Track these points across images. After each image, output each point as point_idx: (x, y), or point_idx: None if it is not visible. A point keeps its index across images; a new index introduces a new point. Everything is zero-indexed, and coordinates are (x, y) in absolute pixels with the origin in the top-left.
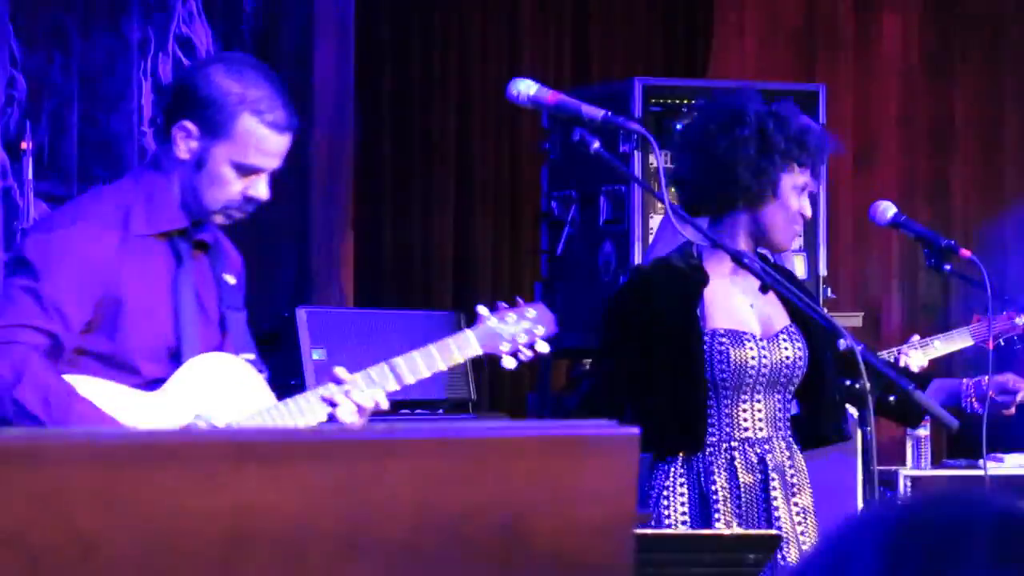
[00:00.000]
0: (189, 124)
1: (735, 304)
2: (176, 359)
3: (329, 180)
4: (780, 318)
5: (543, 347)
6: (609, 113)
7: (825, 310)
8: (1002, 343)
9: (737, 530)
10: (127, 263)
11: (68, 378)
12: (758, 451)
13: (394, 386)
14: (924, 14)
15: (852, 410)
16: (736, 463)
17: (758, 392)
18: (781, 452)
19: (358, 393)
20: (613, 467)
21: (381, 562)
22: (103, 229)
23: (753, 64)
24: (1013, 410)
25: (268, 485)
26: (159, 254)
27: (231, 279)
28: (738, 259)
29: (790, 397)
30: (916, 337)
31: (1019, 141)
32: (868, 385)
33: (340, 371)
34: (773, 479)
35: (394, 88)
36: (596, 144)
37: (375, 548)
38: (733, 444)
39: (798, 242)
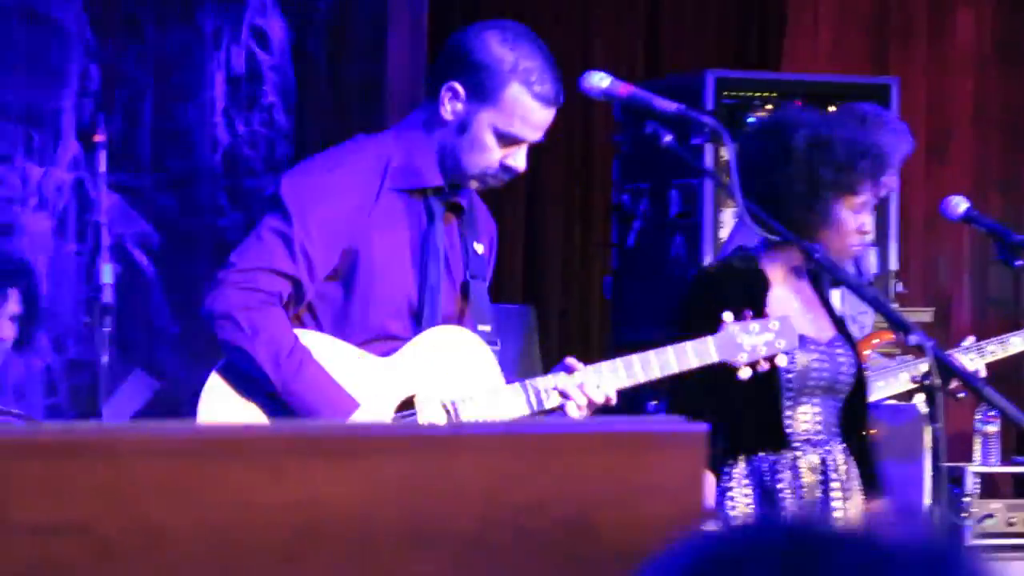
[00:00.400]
0: (458, 86)
1: (796, 309)
2: (417, 319)
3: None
4: (829, 328)
5: (782, 360)
6: (682, 106)
7: (895, 305)
8: None
9: None
10: (380, 215)
11: (303, 336)
12: (820, 452)
13: (625, 383)
14: (998, 5)
15: (922, 406)
16: (800, 463)
17: (816, 396)
18: (838, 455)
19: (592, 387)
20: (679, 463)
21: (448, 556)
22: (361, 179)
23: (826, 56)
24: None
25: (335, 479)
26: (413, 210)
27: (480, 247)
28: (808, 253)
29: (841, 405)
30: (971, 339)
31: None
32: (939, 382)
33: (572, 361)
34: (833, 480)
35: None
36: (668, 137)
37: (442, 542)
38: (796, 445)
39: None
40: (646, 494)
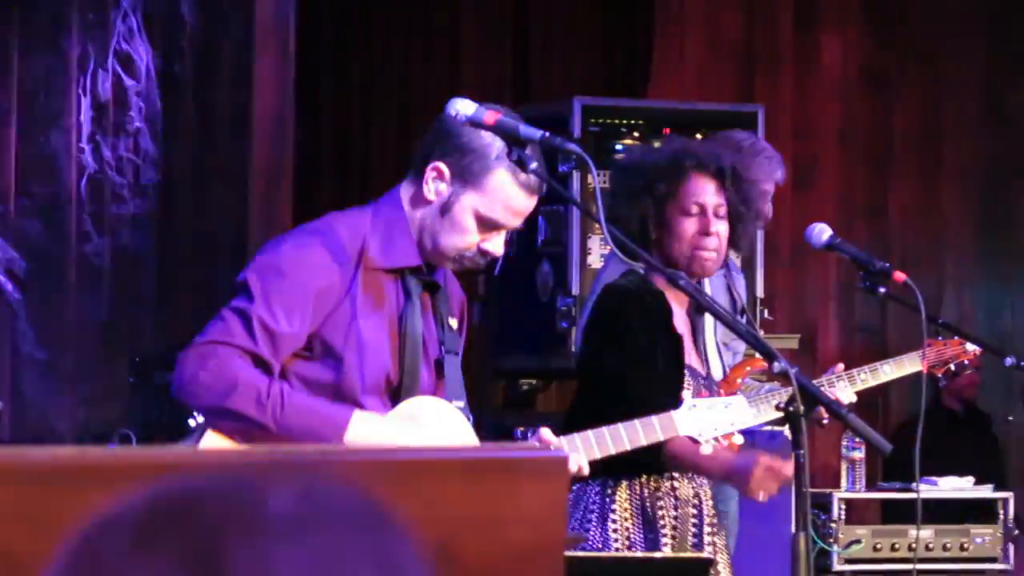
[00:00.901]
0: (443, 167)
1: (688, 339)
2: (395, 397)
3: (268, 198)
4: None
5: (738, 439)
6: (547, 133)
7: (760, 332)
8: (952, 368)
9: (669, 553)
10: (357, 294)
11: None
12: (693, 485)
13: (596, 455)
14: (862, 32)
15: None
16: (678, 492)
17: None
18: (707, 488)
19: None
20: (543, 490)
21: None
22: (333, 258)
23: (693, 84)
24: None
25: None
26: (389, 289)
27: (454, 322)
28: (674, 281)
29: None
30: (840, 366)
31: (958, 160)
32: (802, 408)
33: (545, 432)
34: (705, 513)
35: (334, 108)
36: (534, 164)
37: None
38: (675, 475)
39: (737, 263)
40: (509, 520)
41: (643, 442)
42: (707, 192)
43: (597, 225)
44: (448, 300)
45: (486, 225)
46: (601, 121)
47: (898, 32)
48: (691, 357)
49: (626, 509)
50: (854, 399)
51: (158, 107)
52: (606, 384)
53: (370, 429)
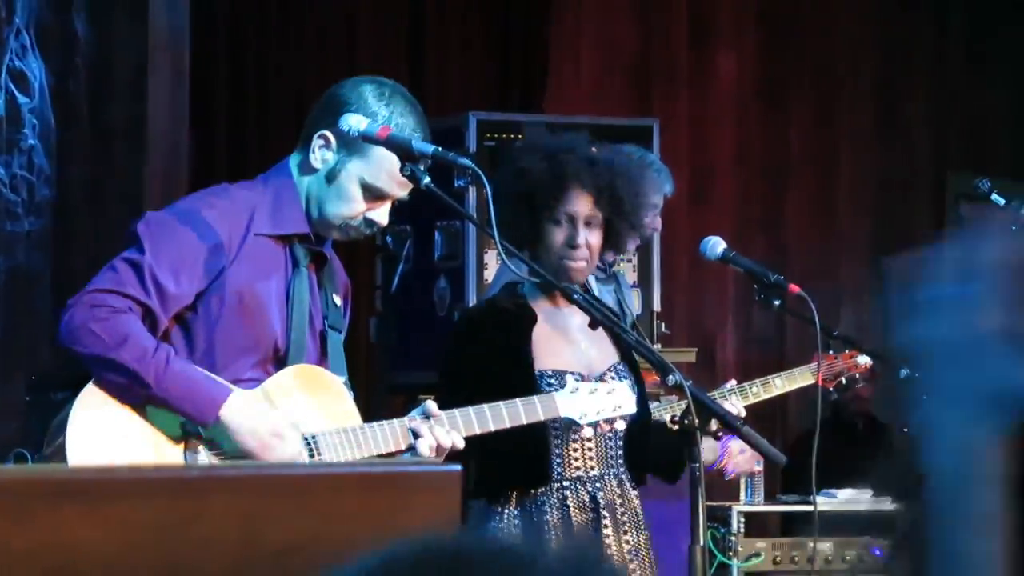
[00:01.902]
0: (329, 135)
1: (559, 343)
2: (281, 364)
3: None
4: (607, 356)
5: (620, 425)
6: (439, 148)
7: (658, 346)
8: (844, 382)
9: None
10: (245, 259)
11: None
12: (590, 489)
13: (475, 430)
14: (757, 47)
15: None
16: (569, 502)
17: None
18: (612, 490)
19: (440, 430)
20: (436, 503)
21: None
22: (224, 221)
23: (590, 99)
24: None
25: (87, 523)
26: (278, 256)
27: (338, 300)
28: (567, 294)
29: (622, 433)
30: (732, 382)
31: (853, 174)
32: (696, 421)
33: (430, 405)
34: (604, 516)
35: (229, 124)
36: (426, 179)
37: None
38: (565, 484)
39: (632, 276)
40: (403, 533)
41: (523, 420)
42: (579, 204)
43: (493, 240)
44: (334, 278)
45: (371, 193)
46: (497, 136)
47: (792, 47)
48: (571, 361)
49: (515, 525)
50: (743, 413)
51: (52, 124)
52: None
53: (245, 410)
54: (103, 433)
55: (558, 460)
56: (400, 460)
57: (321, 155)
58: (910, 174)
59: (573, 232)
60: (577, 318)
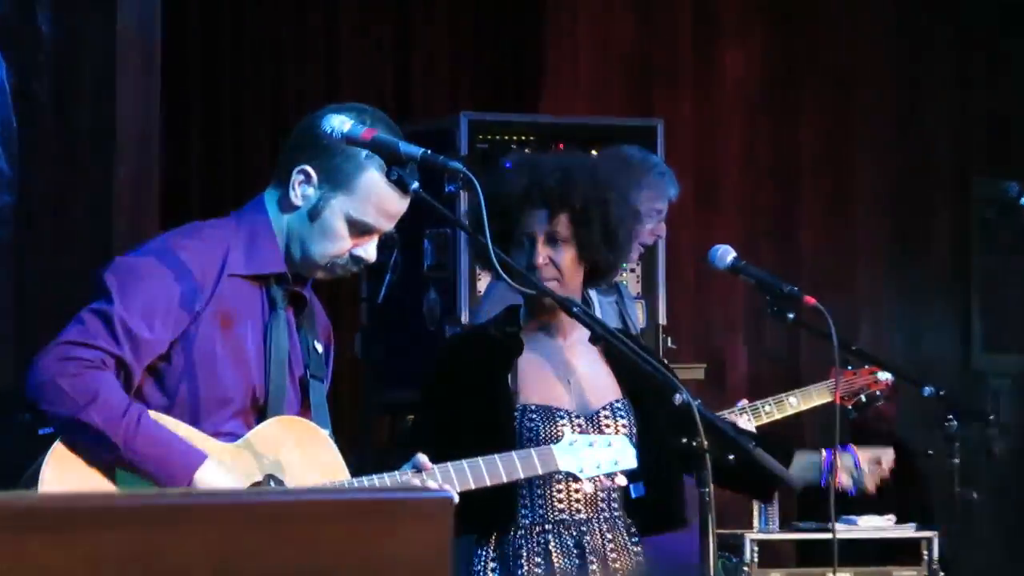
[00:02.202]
0: (310, 170)
1: (550, 377)
2: (261, 415)
3: (134, 224)
4: (605, 393)
5: (621, 480)
6: (429, 151)
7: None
8: (863, 399)
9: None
10: (219, 303)
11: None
12: (574, 534)
13: (470, 485)
14: (766, 42)
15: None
16: (551, 547)
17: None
18: (602, 535)
19: (433, 485)
20: (426, 532)
21: None
22: (195, 262)
23: (588, 98)
24: (871, 488)
25: (53, 553)
26: (254, 299)
27: (319, 346)
28: (566, 307)
29: (590, 492)
30: (744, 402)
31: (870, 176)
32: (705, 443)
33: (421, 458)
34: (592, 563)
35: (203, 124)
36: (415, 184)
37: None
38: (547, 527)
39: (636, 288)
40: (391, 564)
41: (520, 475)
42: (535, 221)
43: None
44: (314, 322)
45: (358, 229)
46: (489, 137)
47: (803, 43)
48: (558, 395)
49: (493, 569)
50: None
51: (14, 126)
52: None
53: (221, 478)
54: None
55: (540, 502)
56: (385, 485)
57: (302, 191)
58: (931, 177)
59: (531, 252)
60: (577, 346)
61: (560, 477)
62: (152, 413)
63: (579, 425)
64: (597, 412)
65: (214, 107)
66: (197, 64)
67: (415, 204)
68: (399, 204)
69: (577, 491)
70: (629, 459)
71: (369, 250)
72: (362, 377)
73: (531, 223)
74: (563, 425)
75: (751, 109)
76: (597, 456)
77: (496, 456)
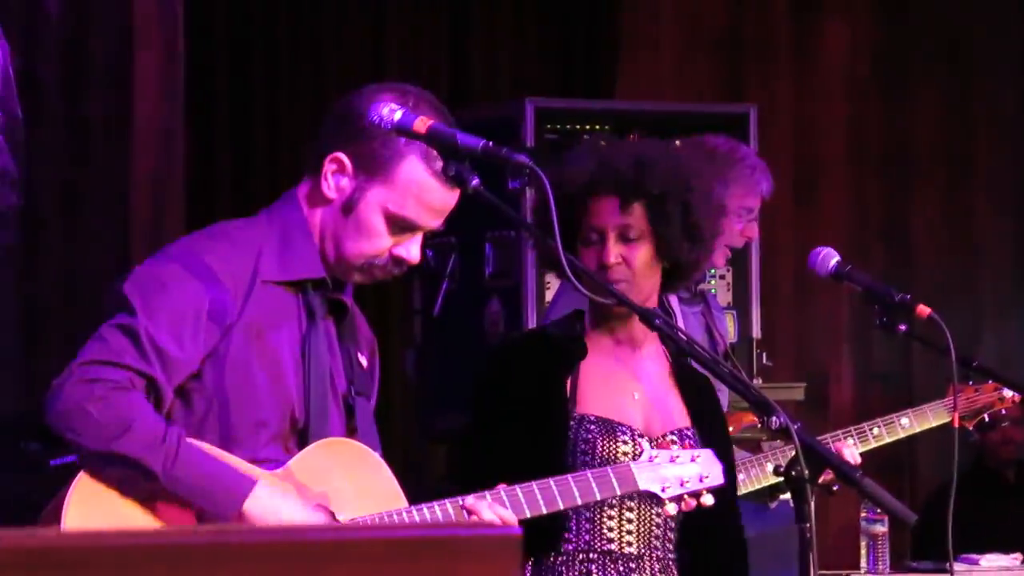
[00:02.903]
0: (344, 158)
1: (614, 389)
2: (301, 438)
3: (154, 227)
4: (674, 416)
5: (708, 499)
6: (489, 143)
7: (758, 381)
8: (986, 419)
9: None
10: (252, 313)
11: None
12: (621, 569)
13: (542, 510)
14: (874, 16)
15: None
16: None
17: (631, 499)
18: (650, 572)
19: (501, 510)
20: (491, 572)
21: None
22: (226, 269)
23: (670, 82)
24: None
25: None
26: (290, 308)
27: (363, 360)
28: (648, 319)
29: (670, 515)
30: (891, 415)
31: (992, 168)
32: (806, 472)
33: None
34: None
35: (233, 113)
36: (475, 181)
37: None
38: (592, 556)
39: (727, 297)
40: None
41: (597, 497)
42: (604, 214)
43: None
44: (356, 333)
45: (398, 225)
46: (558, 127)
47: (917, 15)
48: (626, 412)
49: None
50: (858, 459)
51: (20, 117)
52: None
53: (276, 502)
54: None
55: (587, 527)
56: (447, 522)
57: (335, 182)
58: None
59: (601, 249)
60: (647, 361)
61: (613, 503)
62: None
63: (641, 444)
64: (664, 436)
65: (245, 95)
66: (225, 46)
67: (475, 203)
68: (446, 198)
69: (630, 521)
70: (717, 475)
71: (412, 250)
72: (415, 400)
73: (600, 215)
74: (624, 442)
75: (857, 92)
76: (681, 473)
77: (568, 476)
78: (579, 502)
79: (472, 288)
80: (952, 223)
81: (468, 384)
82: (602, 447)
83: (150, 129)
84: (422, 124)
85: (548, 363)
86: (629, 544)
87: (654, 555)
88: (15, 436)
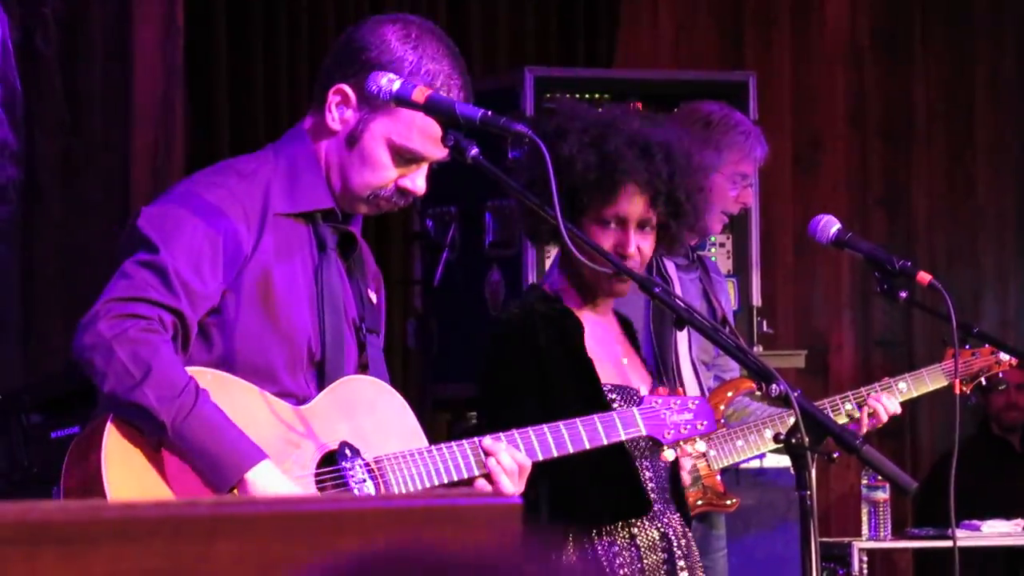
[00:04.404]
0: (348, 89)
1: (610, 356)
2: (319, 371)
3: (154, 195)
4: (644, 374)
5: (701, 446)
6: (488, 112)
7: (758, 348)
8: (983, 383)
9: None
10: (267, 246)
11: (211, 373)
12: (658, 525)
13: (552, 453)
14: None
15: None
16: (638, 541)
17: (645, 458)
18: (676, 525)
19: (514, 450)
20: (494, 543)
21: None
22: (237, 203)
23: (669, 50)
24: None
25: (68, 571)
26: (301, 238)
27: (372, 296)
28: (647, 288)
29: (670, 461)
30: (887, 379)
31: (994, 135)
32: (806, 440)
33: (487, 442)
34: (678, 557)
35: (232, 85)
36: (474, 151)
37: None
38: (633, 520)
39: (727, 265)
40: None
41: (604, 440)
42: (633, 205)
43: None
44: (364, 267)
45: (402, 157)
46: (558, 96)
47: None
48: (616, 375)
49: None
50: (898, 410)
51: (18, 89)
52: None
53: (274, 484)
54: (142, 468)
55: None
56: (449, 491)
57: (339, 114)
58: None
59: (623, 238)
60: (616, 327)
61: (646, 464)
62: (215, 376)
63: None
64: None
65: (245, 64)
66: (224, 14)
67: (475, 173)
68: None
69: (650, 479)
70: (711, 423)
71: (417, 181)
72: (414, 369)
73: (629, 204)
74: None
75: (858, 59)
76: (679, 420)
77: (576, 420)
78: (587, 445)
79: (472, 258)
80: (953, 190)
81: (469, 353)
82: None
83: (149, 101)
84: (420, 94)
85: (559, 337)
86: (656, 501)
87: (670, 508)
88: (16, 408)
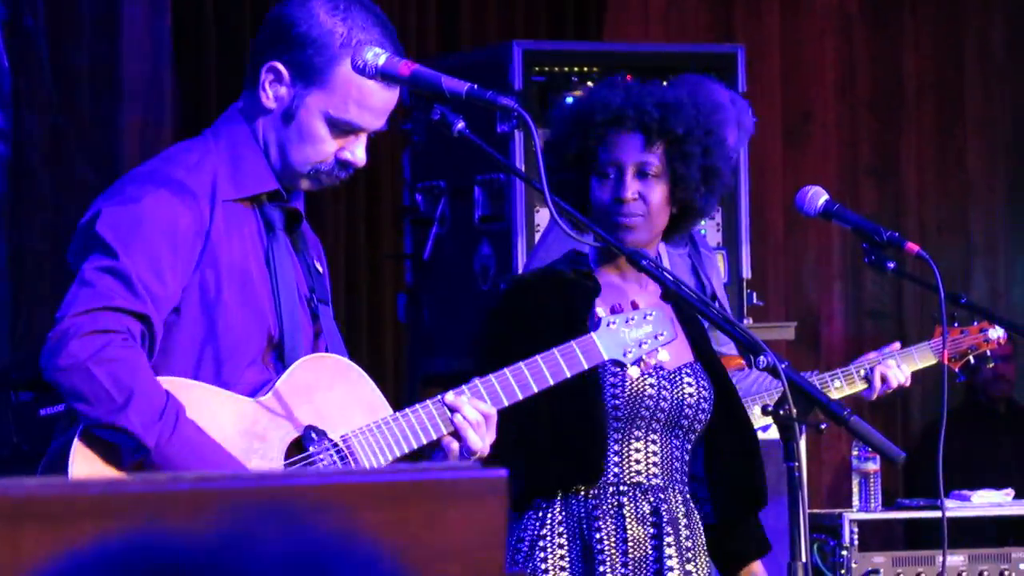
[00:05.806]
0: (280, 66)
1: None
2: (279, 353)
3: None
4: (682, 352)
5: (664, 355)
6: (475, 86)
7: (748, 321)
8: (972, 361)
9: None
10: (220, 234)
11: (167, 381)
12: (651, 500)
13: (517, 396)
14: None
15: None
16: (625, 511)
17: (654, 432)
18: (678, 507)
19: (478, 402)
20: (478, 516)
21: None
22: (186, 192)
23: (658, 23)
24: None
25: (50, 548)
26: (249, 223)
27: (319, 266)
28: (634, 260)
29: (689, 446)
30: (897, 345)
31: (983, 107)
32: (794, 411)
33: (449, 397)
34: (668, 534)
35: (221, 64)
36: (460, 124)
37: None
38: (623, 488)
39: (716, 238)
40: (439, 552)
41: (566, 373)
42: (626, 149)
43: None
44: (309, 240)
45: (340, 129)
46: (547, 69)
47: None
48: None
49: (560, 533)
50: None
51: (5, 67)
52: None
53: None
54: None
55: (616, 460)
56: (435, 464)
57: (274, 92)
58: None
59: (619, 184)
60: (654, 298)
61: (639, 436)
62: (173, 381)
63: (664, 377)
64: (679, 369)
65: (234, 42)
66: None
67: (463, 147)
68: (386, 97)
69: (655, 454)
70: (670, 332)
71: (357, 152)
72: (405, 344)
73: (620, 150)
74: (648, 374)
75: (847, 30)
76: (638, 335)
77: (537, 357)
78: (551, 382)
79: (462, 232)
80: (943, 161)
81: (460, 328)
82: (629, 383)
83: (137, 79)
84: (406, 68)
85: (566, 302)
86: (655, 476)
87: (675, 487)
88: (5, 385)
